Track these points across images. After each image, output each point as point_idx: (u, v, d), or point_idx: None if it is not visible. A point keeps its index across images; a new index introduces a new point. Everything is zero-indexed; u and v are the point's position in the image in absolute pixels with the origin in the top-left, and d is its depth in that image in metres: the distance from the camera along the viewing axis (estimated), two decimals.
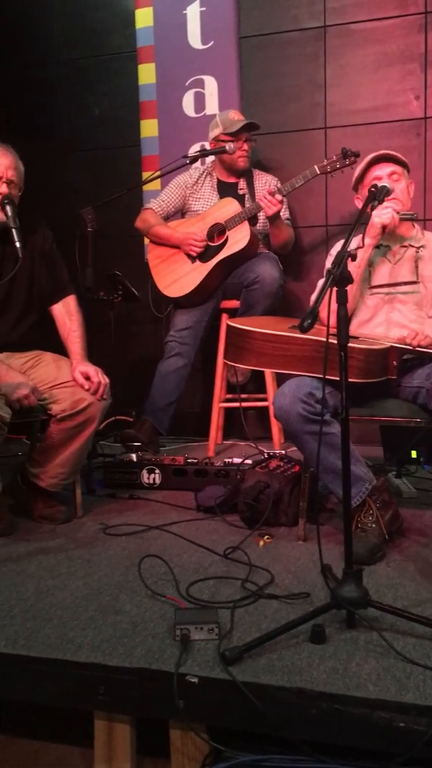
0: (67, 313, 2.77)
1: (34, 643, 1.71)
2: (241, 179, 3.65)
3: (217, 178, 3.66)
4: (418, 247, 2.52)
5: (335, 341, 1.72)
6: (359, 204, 2.54)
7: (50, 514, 2.70)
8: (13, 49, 4.43)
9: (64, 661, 1.64)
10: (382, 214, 2.38)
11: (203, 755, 1.58)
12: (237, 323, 2.37)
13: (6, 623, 1.82)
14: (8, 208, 2.45)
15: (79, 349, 2.70)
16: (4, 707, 1.86)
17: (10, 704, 1.83)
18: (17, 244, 2.42)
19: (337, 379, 1.75)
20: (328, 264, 2.43)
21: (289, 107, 3.92)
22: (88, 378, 2.58)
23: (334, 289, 1.72)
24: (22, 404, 2.46)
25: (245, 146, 3.54)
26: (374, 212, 2.31)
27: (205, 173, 3.67)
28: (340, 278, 1.71)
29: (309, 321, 1.64)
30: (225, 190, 3.63)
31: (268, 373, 3.61)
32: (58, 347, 2.77)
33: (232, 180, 3.66)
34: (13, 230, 2.43)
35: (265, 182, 3.65)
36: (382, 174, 2.48)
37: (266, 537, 2.43)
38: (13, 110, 4.41)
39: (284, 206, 3.47)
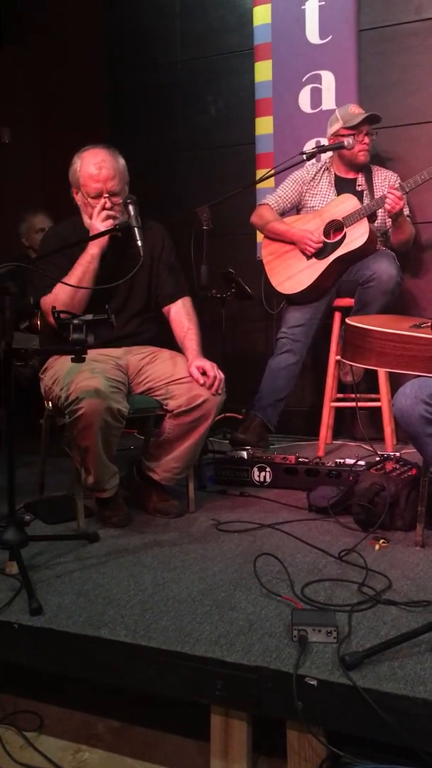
0: (185, 314, 2.80)
1: (153, 635, 1.74)
2: (360, 175, 3.58)
3: (335, 174, 3.61)
4: None
5: None
6: None
7: (164, 507, 2.74)
8: (132, 50, 4.54)
9: (183, 653, 1.66)
10: None
11: (320, 759, 1.56)
12: (357, 322, 2.32)
13: (126, 613, 1.87)
14: (131, 207, 2.49)
15: (195, 346, 2.72)
16: (122, 695, 1.90)
17: (128, 692, 1.86)
18: (139, 243, 2.46)
19: None
20: None
21: (409, 100, 3.82)
22: (204, 373, 2.60)
23: None
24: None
25: (366, 140, 3.47)
26: None
27: (322, 169, 3.63)
28: None
29: None
30: (343, 185, 3.58)
31: (382, 373, 3.52)
32: (173, 346, 2.81)
33: (350, 176, 3.60)
34: (136, 229, 2.47)
35: (384, 178, 3.57)
36: None
37: (381, 541, 2.38)
38: (133, 111, 4.53)
39: (405, 201, 3.38)
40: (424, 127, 3.79)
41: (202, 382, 2.58)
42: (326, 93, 3.88)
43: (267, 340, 4.07)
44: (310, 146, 3.71)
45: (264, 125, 4.08)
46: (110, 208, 2.61)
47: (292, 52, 3.94)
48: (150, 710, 1.89)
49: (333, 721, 1.55)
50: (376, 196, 3.48)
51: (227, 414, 3.82)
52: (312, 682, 1.53)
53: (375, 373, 3.56)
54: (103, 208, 2.61)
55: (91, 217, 2.64)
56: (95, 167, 2.59)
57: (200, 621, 1.81)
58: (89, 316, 2.19)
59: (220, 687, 1.61)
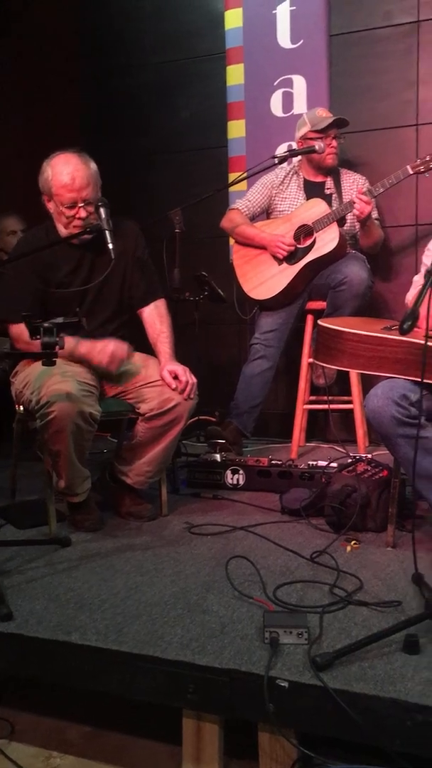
0: (158, 316, 2.79)
1: (124, 638, 1.74)
2: (329, 178, 3.60)
3: (304, 178, 3.62)
4: None
5: None
6: None
7: (137, 511, 2.74)
8: (104, 52, 4.52)
9: (154, 657, 1.65)
10: None
11: (292, 760, 1.57)
12: (329, 324, 2.34)
13: (97, 617, 1.86)
14: (102, 210, 2.48)
15: (168, 349, 2.72)
16: (94, 701, 1.89)
17: (100, 697, 1.85)
18: (110, 246, 2.45)
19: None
20: (426, 260, 2.37)
21: (380, 105, 3.85)
22: (176, 377, 2.60)
23: None
24: (116, 360, 2.54)
25: (334, 143, 3.49)
26: None
27: (291, 172, 3.64)
28: None
29: (410, 323, 1.60)
30: (312, 189, 3.60)
31: (354, 375, 3.55)
32: (145, 349, 2.80)
33: (319, 179, 3.62)
34: (107, 232, 2.47)
35: (352, 181, 3.59)
36: None
37: (353, 542, 2.39)
38: (106, 113, 4.51)
39: (373, 206, 3.41)
40: (393, 132, 3.82)
41: (174, 386, 2.58)
42: (298, 97, 3.90)
43: (240, 343, 4.08)
44: (282, 150, 3.71)
45: (236, 128, 4.09)
46: (85, 218, 2.58)
47: (264, 56, 3.95)
48: (122, 715, 1.89)
49: (304, 723, 1.55)
50: (344, 199, 3.50)
51: (201, 417, 3.82)
52: (283, 684, 1.54)
53: (347, 375, 3.59)
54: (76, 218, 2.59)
55: (65, 227, 2.61)
56: (68, 177, 2.52)
57: (172, 624, 1.81)
58: (60, 319, 2.18)
59: (192, 690, 1.61)
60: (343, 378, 3.68)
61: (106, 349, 2.54)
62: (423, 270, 2.20)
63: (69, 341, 2.37)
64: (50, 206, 2.62)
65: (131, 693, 1.70)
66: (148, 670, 1.66)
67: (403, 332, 1.62)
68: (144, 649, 1.69)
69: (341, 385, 3.73)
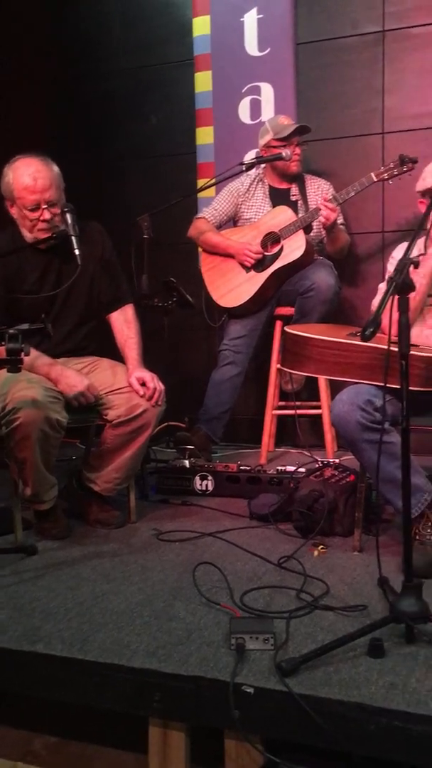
0: (125, 322, 2.79)
1: (90, 647, 1.72)
2: (293, 185, 3.63)
3: (269, 185, 3.65)
4: None
5: (396, 349, 1.69)
6: (423, 208, 2.50)
7: (105, 518, 2.72)
8: (72, 59, 4.51)
9: (119, 666, 1.64)
10: None
11: (258, 766, 1.57)
12: (296, 330, 2.35)
13: (63, 627, 1.84)
14: (68, 215, 2.48)
15: (135, 356, 2.72)
16: (59, 711, 1.87)
17: (65, 708, 1.83)
18: (76, 252, 2.45)
19: (397, 387, 1.72)
20: (390, 267, 2.40)
21: (346, 113, 3.89)
22: (143, 384, 2.59)
23: (396, 297, 1.69)
24: (80, 402, 2.49)
25: (298, 150, 3.52)
26: None
27: (256, 180, 3.66)
28: (402, 286, 1.68)
29: (371, 330, 1.61)
30: (277, 196, 3.62)
31: (322, 381, 3.57)
32: (115, 354, 2.80)
33: (284, 186, 3.64)
34: (73, 238, 2.46)
35: (317, 187, 3.62)
36: None
37: (321, 547, 2.41)
38: (75, 119, 4.49)
39: (339, 211, 3.44)
40: (360, 139, 3.86)
41: (141, 393, 2.57)
42: (266, 104, 3.93)
43: (209, 349, 4.08)
44: (250, 157, 3.73)
45: (205, 135, 4.10)
46: (49, 219, 2.56)
47: (232, 63, 3.97)
48: (88, 724, 1.87)
49: (270, 728, 1.55)
50: (310, 205, 3.52)
51: (170, 423, 3.81)
52: (249, 690, 1.54)
53: (316, 381, 3.61)
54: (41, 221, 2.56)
55: (30, 231, 2.59)
56: (30, 178, 2.51)
57: (138, 632, 1.80)
58: (25, 326, 2.16)
59: (158, 698, 1.60)
60: (311, 383, 3.70)
61: (73, 386, 2.51)
62: (387, 277, 2.23)
63: (37, 357, 2.36)
64: (13, 211, 2.60)
65: (97, 702, 1.69)
66: (113, 679, 1.65)
67: (365, 339, 1.64)
68: (109, 657, 1.68)
69: (310, 391, 3.75)
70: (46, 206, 2.54)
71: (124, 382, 2.62)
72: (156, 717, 1.65)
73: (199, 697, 1.58)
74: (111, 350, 2.81)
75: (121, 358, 2.76)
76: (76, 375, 2.56)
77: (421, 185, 2.54)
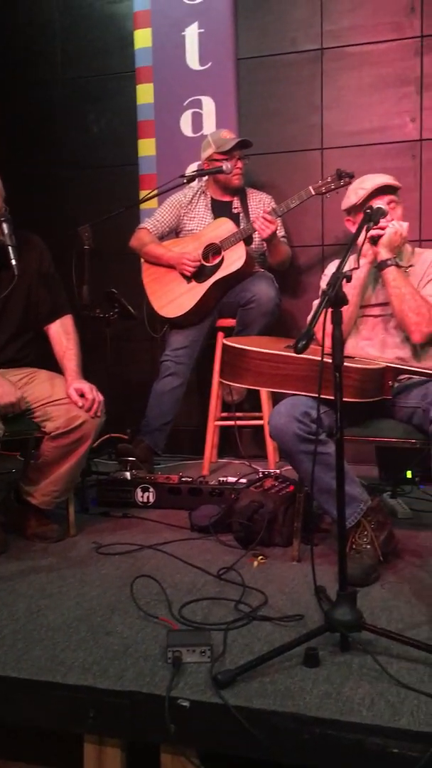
0: (64, 333, 2.76)
1: (24, 665, 1.69)
2: (235, 198, 3.67)
3: (211, 197, 3.67)
4: (407, 267, 2.52)
5: (330, 360, 1.72)
6: (351, 227, 2.56)
7: (43, 532, 2.68)
8: (12, 67, 4.46)
9: (53, 683, 1.62)
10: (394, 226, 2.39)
11: None
12: (233, 342, 2.37)
13: None
14: (4, 225, 2.45)
15: (74, 366, 2.69)
16: None
17: (4, 726, 1.79)
18: (13, 262, 2.42)
19: (333, 398, 1.75)
20: (323, 284, 2.44)
21: (286, 128, 3.95)
22: (82, 395, 2.57)
23: (329, 310, 1.72)
24: (7, 411, 2.46)
25: (239, 164, 3.56)
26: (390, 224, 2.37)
27: (198, 192, 3.69)
28: (335, 299, 1.71)
29: (304, 342, 1.64)
30: (219, 209, 3.65)
31: (264, 392, 3.61)
32: (53, 366, 2.76)
33: (226, 198, 3.67)
34: (10, 248, 2.43)
35: (259, 201, 3.67)
36: (383, 204, 2.43)
37: (260, 557, 2.42)
38: (13, 128, 4.44)
39: (279, 224, 3.49)
40: (300, 154, 3.93)
41: (80, 404, 2.55)
42: (207, 118, 3.96)
43: (152, 360, 4.07)
44: (191, 169, 3.76)
45: (147, 147, 4.11)
46: None
47: (173, 76, 4.00)
48: (26, 743, 1.83)
49: (206, 741, 1.55)
50: (251, 218, 3.57)
51: (112, 435, 3.79)
52: (184, 704, 1.53)
53: (258, 392, 3.64)
54: None
55: None
56: None
57: (74, 648, 1.78)
58: None
59: (93, 715, 1.58)
60: (253, 395, 3.72)
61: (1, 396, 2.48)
62: (321, 292, 2.27)
63: None
64: None
65: (32, 721, 1.66)
66: (47, 697, 1.62)
67: (297, 351, 1.66)
68: (43, 675, 1.65)
69: (252, 402, 3.78)
70: None
71: (62, 394, 2.59)
72: (91, 733, 1.62)
73: (135, 713, 1.56)
74: (50, 361, 2.78)
75: (60, 371, 2.73)
76: (8, 385, 2.51)
77: (346, 203, 2.60)
